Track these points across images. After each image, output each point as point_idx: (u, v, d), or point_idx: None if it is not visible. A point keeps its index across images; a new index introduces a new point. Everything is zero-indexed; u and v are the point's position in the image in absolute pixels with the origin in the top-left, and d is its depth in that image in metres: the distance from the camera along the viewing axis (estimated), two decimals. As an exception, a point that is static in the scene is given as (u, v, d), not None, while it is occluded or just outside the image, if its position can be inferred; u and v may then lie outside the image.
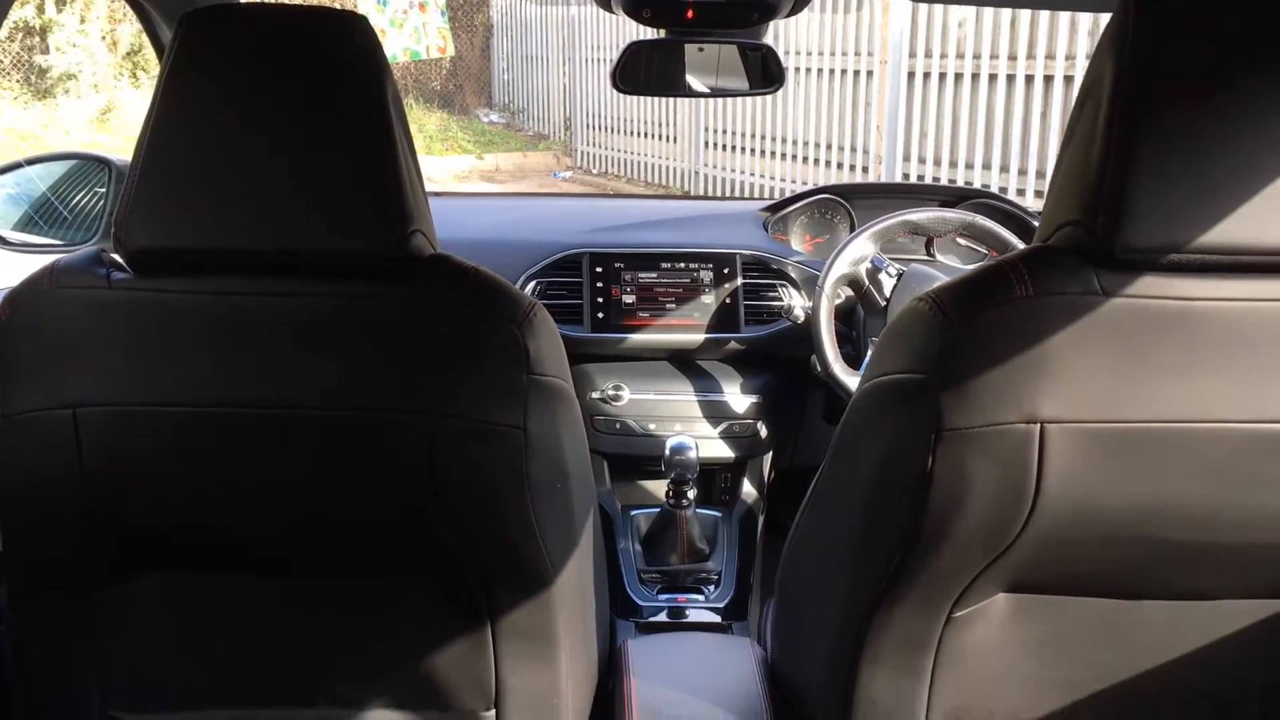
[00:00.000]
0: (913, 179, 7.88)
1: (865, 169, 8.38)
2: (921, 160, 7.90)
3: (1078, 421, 1.08)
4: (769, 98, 8.87)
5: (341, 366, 1.15)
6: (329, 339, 1.15)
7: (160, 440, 1.16)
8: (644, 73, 2.24)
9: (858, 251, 2.12)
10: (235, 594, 1.29)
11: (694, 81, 2.33)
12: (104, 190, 2.42)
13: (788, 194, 2.61)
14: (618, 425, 2.29)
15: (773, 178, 9.02)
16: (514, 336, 1.17)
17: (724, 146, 9.59)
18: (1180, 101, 1.04)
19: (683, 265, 2.31)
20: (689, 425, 2.29)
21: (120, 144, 8.71)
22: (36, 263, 1.23)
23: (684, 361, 2.34)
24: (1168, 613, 1.23)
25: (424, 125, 11.97)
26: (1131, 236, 1.04)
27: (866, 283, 2.12)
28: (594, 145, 11.20)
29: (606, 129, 11.02)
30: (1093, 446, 1.08)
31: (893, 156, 8.10)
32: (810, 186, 3.08)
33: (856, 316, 2.27)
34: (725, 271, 2.30)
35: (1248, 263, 1.05)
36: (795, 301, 2.29)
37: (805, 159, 8.84)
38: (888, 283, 2.10)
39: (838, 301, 2.16)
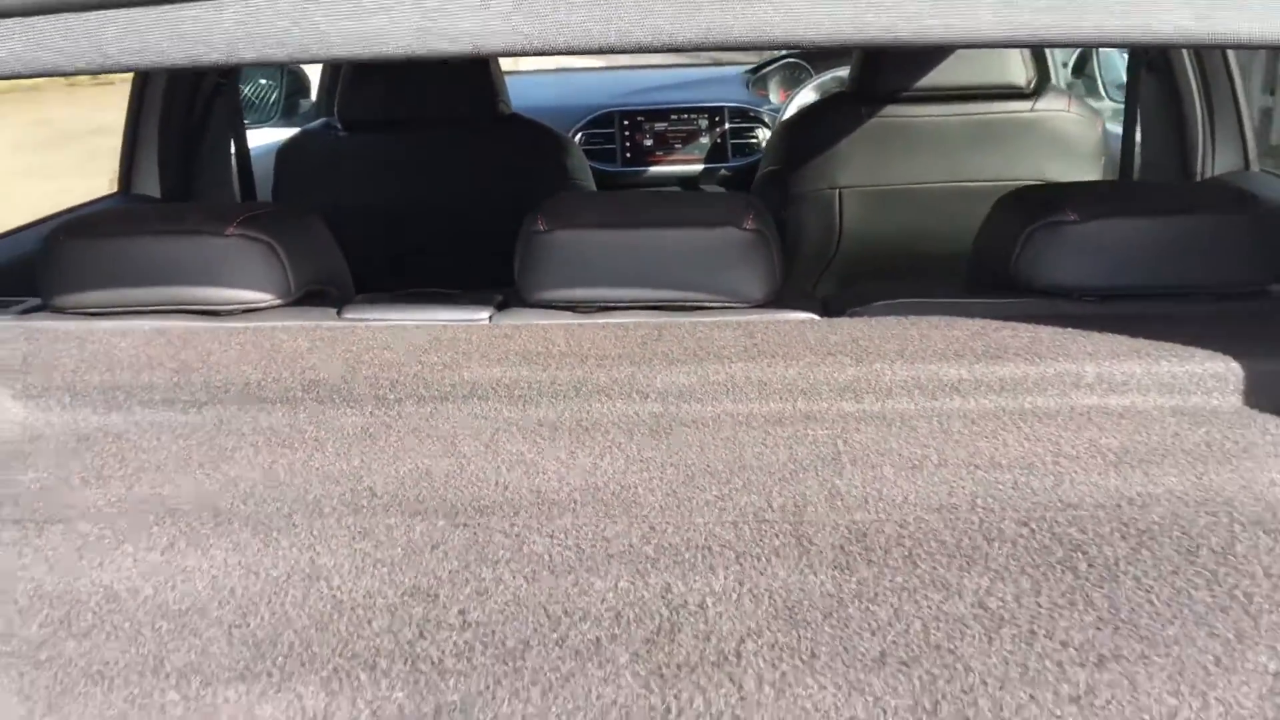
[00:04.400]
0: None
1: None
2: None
3: (856, 186, 2.01)
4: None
5: (471, 179, 2.13)
6: (465, 165, 2.13)
7: (379, 225, 2.16)
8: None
9: (804, 99, 3.01)
10: None
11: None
12: (273, 82, 3.39)
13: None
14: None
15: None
16: (560, 160, 2.13)
17: None
18: None
19: (686, 116, 3.21)
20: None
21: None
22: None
23: (689, 186, 3.27)
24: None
25: None
26: (878, 85, 1.95)
27: (811, 122, 3.01)
28: None
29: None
30: (864, 199, 2.02)
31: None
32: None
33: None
34: (716, 119, 3.20)
35: (940, 94, 1.95)
36: (766, 138, 3.19)
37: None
38: (825, 121, 3.00)
39: (793, 137, 3.06)
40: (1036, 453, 0.88)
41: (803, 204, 2.04)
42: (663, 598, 0.69)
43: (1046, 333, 1.01)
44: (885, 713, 0.58)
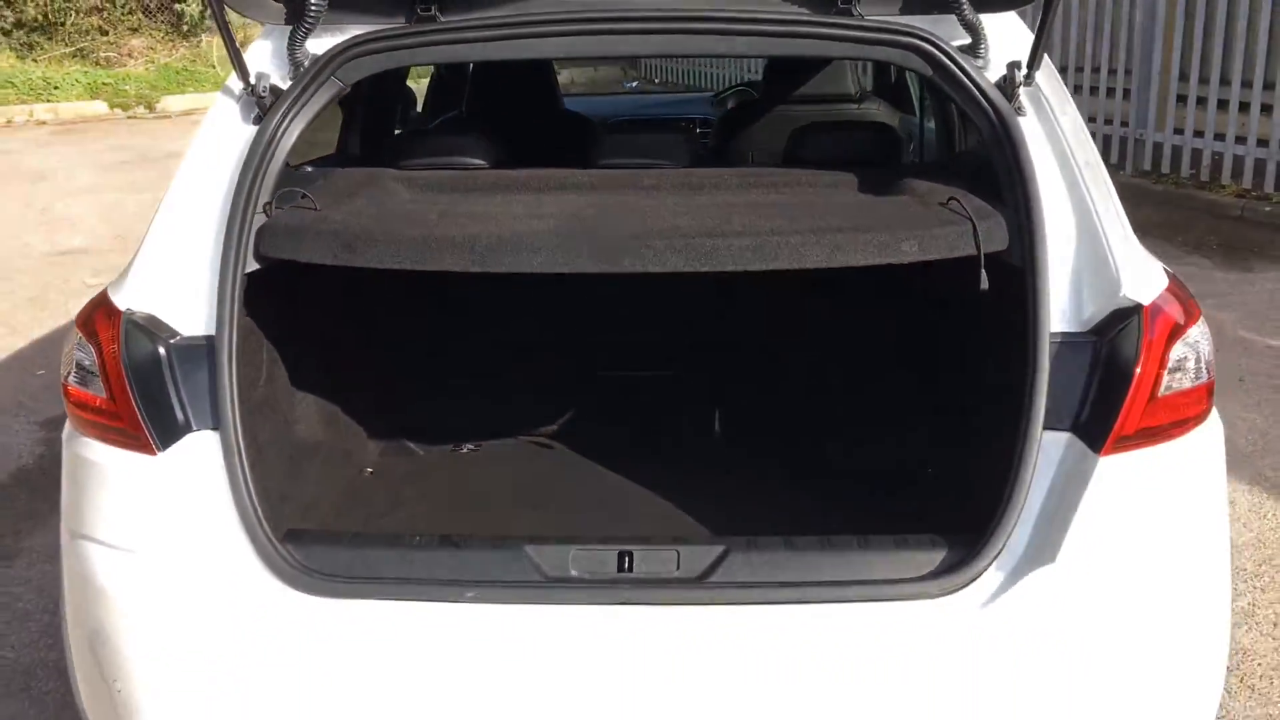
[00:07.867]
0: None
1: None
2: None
3: (762, 149, 3.61)
4: None
5: (545, 147, 3.72)
6: (543, 138, 3.71)
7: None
8: None
9: (751, 113, 4.61)
10: None
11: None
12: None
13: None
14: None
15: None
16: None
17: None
18: None
19: (671, 123, 4.82)
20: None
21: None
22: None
23: None
24: None
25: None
26: (774, 94, 3.56)
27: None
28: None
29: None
30: (767, 160, 3.61)
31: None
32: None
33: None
34: (692, 126, 4.81)
35: (807, 99, 3.56)
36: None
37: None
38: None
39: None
40: (785, 197, 2.46)
41: (732, 164, 3.61)
42: (656, 209, 2.28)
43: (800, 171, 2.58)
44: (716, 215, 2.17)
